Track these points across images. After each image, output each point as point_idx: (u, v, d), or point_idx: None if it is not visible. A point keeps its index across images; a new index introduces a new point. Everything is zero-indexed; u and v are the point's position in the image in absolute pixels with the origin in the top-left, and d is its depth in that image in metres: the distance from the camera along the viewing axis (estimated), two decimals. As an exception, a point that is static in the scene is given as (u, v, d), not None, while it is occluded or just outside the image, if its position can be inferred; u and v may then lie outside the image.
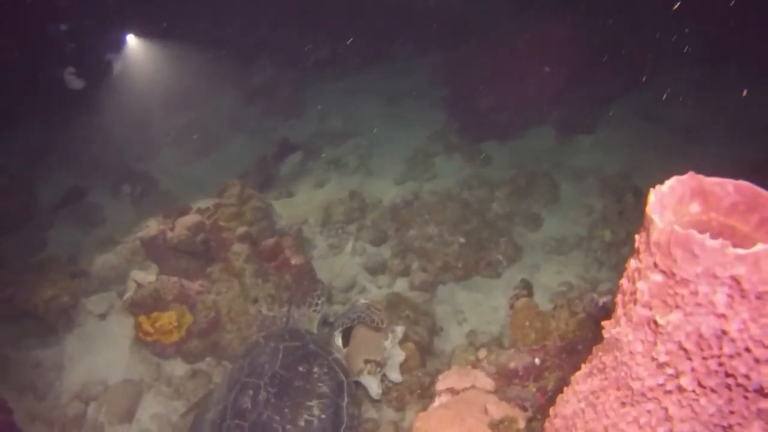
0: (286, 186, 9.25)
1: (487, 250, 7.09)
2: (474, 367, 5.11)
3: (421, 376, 5.60)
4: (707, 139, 9.06)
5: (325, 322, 6.09)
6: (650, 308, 2.14)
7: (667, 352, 2.11)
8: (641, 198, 7.71)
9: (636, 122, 9.81)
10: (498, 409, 4.13)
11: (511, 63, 9.43)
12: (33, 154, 9.74)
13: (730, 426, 2.09)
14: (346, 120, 10.96)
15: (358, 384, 5.55)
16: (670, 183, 2.30)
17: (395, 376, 5.59)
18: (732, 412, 2.07)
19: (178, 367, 6.52)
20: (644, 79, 10.16)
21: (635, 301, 2.21)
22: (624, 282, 2.31)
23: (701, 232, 2.39)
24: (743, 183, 2.35)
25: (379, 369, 5.59)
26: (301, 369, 5.09)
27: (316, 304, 5.82)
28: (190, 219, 6.79)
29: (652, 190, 2.23)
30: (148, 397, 6.37)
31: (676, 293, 2.04)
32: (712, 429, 2.13)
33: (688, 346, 2.06)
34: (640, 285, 2.17)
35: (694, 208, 2.34)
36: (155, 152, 10.35)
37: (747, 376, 1.99)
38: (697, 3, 9.04)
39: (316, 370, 5.12)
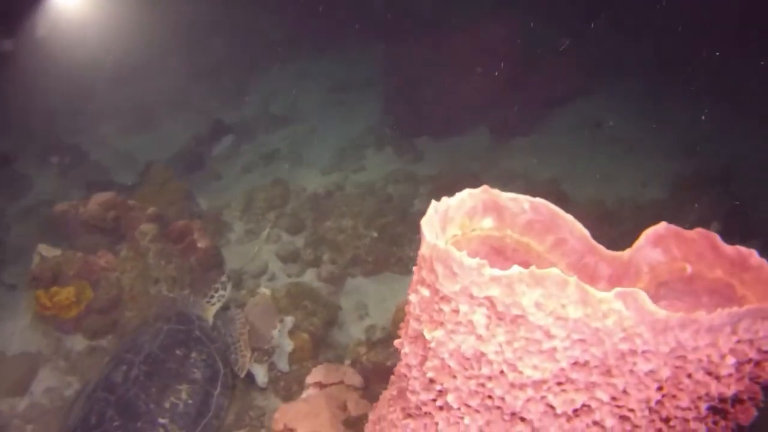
0: (215, 169, 9.20)
1: (400, 246, 7.09)
2: (355, 362, 5.13)
3: (311, 366, 5.59)
4: (644, 151, 9.10)
5: (225, 308, 6.05)
6: (420, 322, 2.14)
7: (434, 368, 2.11)
8: (565, 205, 7.76)
9: (576, 130, 9.85)
10: (357, 407, 4.15)
11: (451, 60, 9.41)
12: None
13: (491, 447, 2.09)
14: (288, 105, 10.90)
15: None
16: (459, 195, 2.28)
17: (283, 365, 5.61)
18: (491, 434, 2.08)
19: (78, 343, 6.45)
20: (588, 86, 10.22)
21: (409, 314, 2.21)
22: (408, 294, 2.31)
23: (495, 248, 2.40)
24: (539, 201, 2.34)
25: (266, 357, 5.59)
26: (178, 352, 5.07)
27: (212, 296, 5.80)
28: (104, 196, 6.73)
29: (433, 201, 2.21)
30: (44, 371, 6.31)
31: (441, 310, 2.03)
32: (474, 448, 2.13)
33: (452, 364, 2.05)
34: (412, 297, 2.17)
35: (487, 223, 2.33)
36: (93, 124, 10.19)
37: (503, 399, 1.99)
38: (651, 15, 9.09)
39: (193, 355, 5.10)
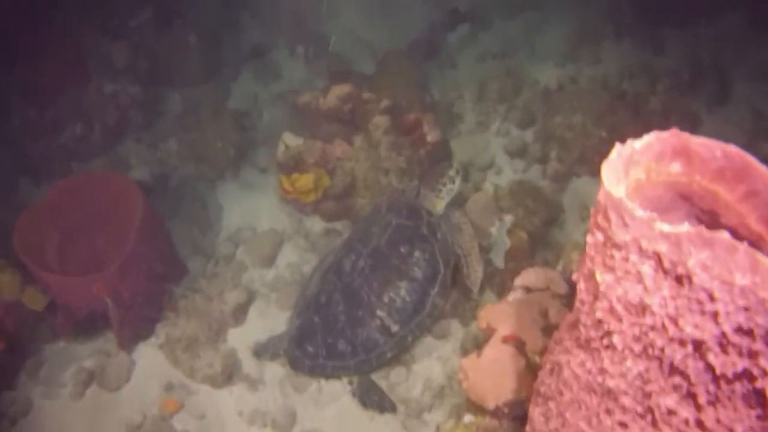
0: (450, 57, 9.24)
1: (629, 146, 6.84)
2: (566, 268, 5.21)
3: (527, 266, 5.71)
4: None
5: (454, 203, 6.26)
6: (593, 263, 2.20)
7: (602, 309, 2.19)
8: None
9: None
10: (557, 316, 4.27)
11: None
12: (220, 12, 10.18)
13: (650, 393, 2.16)
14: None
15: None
16: (646, 138, 2.24)
17: (499, 262, 5.81)
18: (650, 380, 2.14)
19: (316, 224, 7.09)
20: None
21: (586, 253, 2.27)
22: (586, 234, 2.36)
23: (682, 194, 2.37)
24: (733, 149, 2.24)
25: (484, 254, 5.81)
26: (402, 249, 5.43)
27: (440, 190, 6.02)
28: (341, 89, 7.07)
29: (617, 144, 2.20)
30: (287, 247, 7.03)
31: (612, 255, 2.08)
32: (634, 391, 2.20)
33: (618, 308, 2.11)
34: (588, 238, 2.21)
35: (675, 168, 2.28)
36: (335, 15, 10.49)
37: (662, 350, 2.03)
38: None
39: (417, 253, 5.42)
